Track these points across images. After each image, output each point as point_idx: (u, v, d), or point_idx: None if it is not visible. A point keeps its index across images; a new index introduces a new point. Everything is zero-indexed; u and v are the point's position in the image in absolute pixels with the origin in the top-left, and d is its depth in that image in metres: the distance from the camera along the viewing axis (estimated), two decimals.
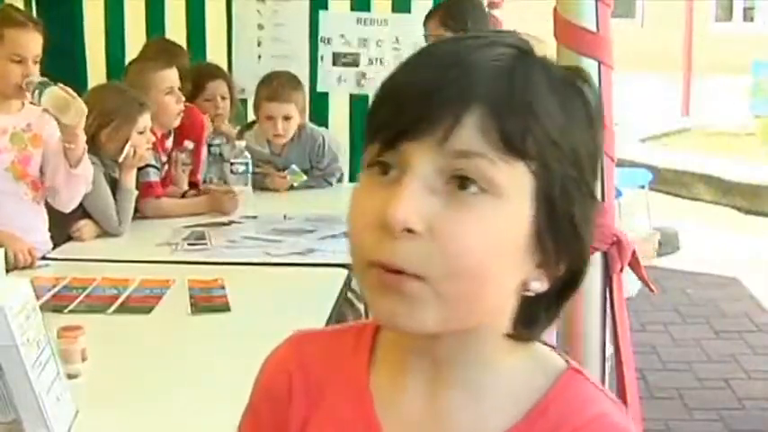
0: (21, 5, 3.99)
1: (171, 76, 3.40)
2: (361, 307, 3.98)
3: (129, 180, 3.13)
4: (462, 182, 0.70)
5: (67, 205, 2.91)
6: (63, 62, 4.11)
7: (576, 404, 0.77)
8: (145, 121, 3.10)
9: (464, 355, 0.77)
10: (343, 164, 4.11)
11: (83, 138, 2.79)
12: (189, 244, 2.99)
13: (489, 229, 0.71)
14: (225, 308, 2.36)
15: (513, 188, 0.71)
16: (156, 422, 1.72)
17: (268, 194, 3.77)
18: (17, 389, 1.47)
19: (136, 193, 3.15)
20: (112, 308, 2.36)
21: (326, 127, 4.17)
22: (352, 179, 4.15)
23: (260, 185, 3.75)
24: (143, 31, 4.26)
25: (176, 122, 3.47)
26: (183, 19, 4.27)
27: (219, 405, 1.79)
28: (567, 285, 0.77)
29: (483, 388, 0.78)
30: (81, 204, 3.01)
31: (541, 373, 0.79)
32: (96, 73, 4.25)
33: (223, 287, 2.49)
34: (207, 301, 2.40)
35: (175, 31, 4.23)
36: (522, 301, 0.77)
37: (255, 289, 2.58)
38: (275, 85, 3.74)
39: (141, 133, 3.09)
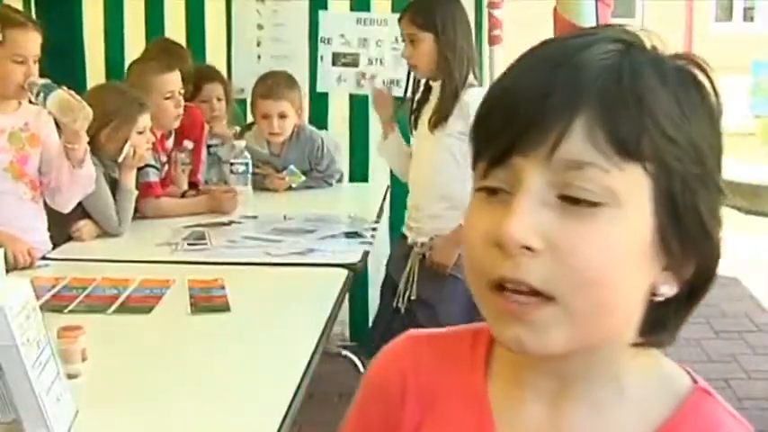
0: (20, 5, 3.99)
1: (172, 80, 3.41)
2: None
3: (129, 180, 3.13)
4: (577, 192, 0.67)
5: (66, 206, 2.91)
6: (62, 62, 4.11)
7: (705, 429, 0.74)
8: (144, 121, 3.11)
9: (589, 371, 0.75)
10: (343, 164, 4.11)
11: (85, 138, 2.80)
12: (189, 244, 2.99)
13: (611, 239, 0.68)
14: (225, 308, 2.36)
15: (631, 194, 0.68)
16: (155, 422, 1.72)
17: (268, 194, 3.77)
18: (17, 389, 1.47)
19: (136, 193, 3.15)
20: (112, 308, 2.36)
21: (326, 127, 4.18)
22: (351, 179, 4.15)
23: (259, 186, 3.75)
24: (142, 31, 4.25)
25: (175, 125, 3.48)
26: (183, 19, 4.27)
27: (219, 405, 1.79)
28: (697, 285, 0.74)
29: (607, 404, 0.75)
30: (81, 204, 3.01)
31: (668, 390, 0.76)
32: (95, 73, 4.24)
33: (223, 287, 2.49)
34: (207, 301, 2.39)
35: (175, 31, 4.23)
36: (649, 306, 0.73)
37: (255, 289, 2.57)
38: (270, 83, 3.76)
39: (141, 133, 3.10)
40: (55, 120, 2.85)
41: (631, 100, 0.67)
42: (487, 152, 0.71)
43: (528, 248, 0.67)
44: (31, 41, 2.77)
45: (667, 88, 0.69)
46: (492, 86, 0.73)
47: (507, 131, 0.69)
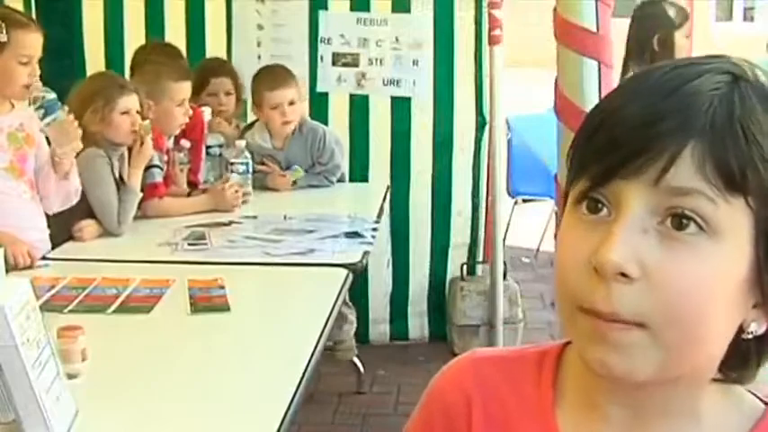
0: (20, 6, 3.99)
1: (186, 89, 3.44)
2: (351, 315, 3.99)
3: (136, 181, 3.15)
4: (680, 221, 0.67)
5: (49, 210, 2.92)
6: (62, 62, 4.12)
7: None
8: (126, 102, 3.09)
9: (667, 404, 0.74)
10: (343, 164, 4.11)
11: (72, 154, 2.81)
12: (189, 244, 2.99)
13: (708, 271, 0.67)
14: (225, 308, 2.36)
15: (733, 227, 0.67)
16: (155, 422, 1.72)
17: (268, 194, 3.77)
18: (17, 389, 1.47)
19: (140, 195, 3.16)
20: (112, 308, 2.36)
21: (326, 124, 4.17)
22: (352, 179, 4.15)
23: (261, 184, 3.76)
24: (142, 31, 4.25)
25: (176, 132, 3.50)
26: (183, 19, 4.27)
27: (219, 405, 1.79)
28: None
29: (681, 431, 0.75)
30: (83, 204, 3.02)
31: (738, 414, 0.76)
32: None
33: (222, 287, 2.49)
34: (206, 301, 2.39)
35: (175, 31, 4.23)
36: (734, 343, 0.72)
37: (255, 289, 2.58)
38: (272, 75, 3.78)
39: (125, 114, 3.09)
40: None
41: (741, 132, 0.67)
42: (590, 172, 0.70)
43: (624, 275, 0.67)
44: (36, 42, 2.78)
45: None
46: (597, 107, 0.73)
47: (613, 154, 0.68)
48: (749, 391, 0.77)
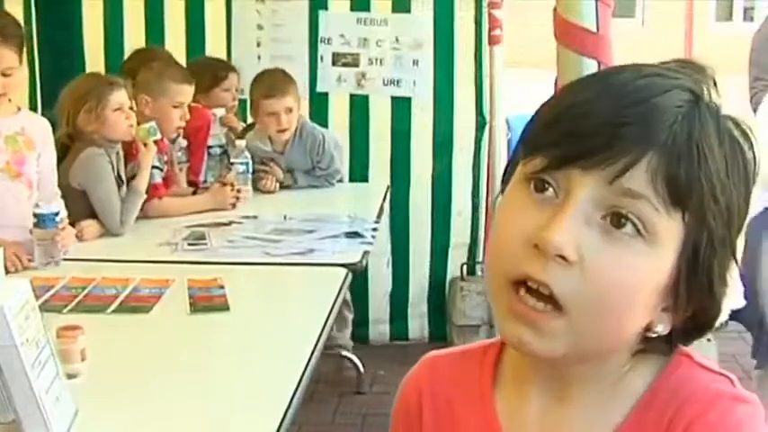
0: (20, 7, 3.99)
1: (188, 93, 3.45)
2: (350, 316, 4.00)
3: (142, 182, 3.16)
4: (619, 219, 0.72)
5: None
6: (62, 63, 4.13)
7: (682, 390, 0.78)
8: (118, 98, 3.10)
9: (584, 375, 0.80)
10: (343, 164, 4.11)
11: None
12: (189, 244, 2.99)
13: (637, 270, 0.73)
14: (224, 307, 2.35)
15: (667, 236, 0.73)
16: (155, 422, 1.72)
17: (268, 194, 3.77)
18: (16, 389, 1.47)
19: (144, 197, 3.16)
20: (112, 307, 2.36)
21: (326, 127, 4.17)
22: (351, 179, 4.15)
23: (254, 186, 3.76)
24: (142, 31, 4.25)
25: (173, 135, 3.52)
26: (183, 19, 4.27)
27: (219, 405, 1.79)
28: (687, 332, 0.79)
29: (600, 398, 0.80)
30: (84, 204, 3.02)
31: (655, 361, 0.81)
32: None
33: (222, 287, 2.49)
34: (206, 301, 2.39)
35: (174, 31, 4.23)
36: (639, 337, 0.78)
37: (255, 289, 2.57)
38: (270, 81, 3.77)
39: (117, 110, 3.09)
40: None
41: (695, 152, 0.72)
42: (546, 154, 0.74)
43: (563, 258, 0.72)
44: (6, 56, 2.73)
45: (722, 151, 0.74)
46: (563, 93, 0.77)
47: (576, 143, 0.72)
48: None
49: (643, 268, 0.73)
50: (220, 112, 3.90)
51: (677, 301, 0.76)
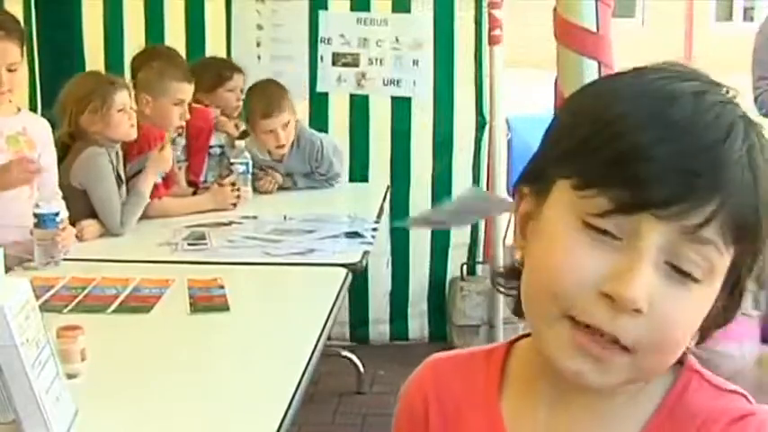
0: (20, 7, 3.99)
1: (187, 91, 3.46)
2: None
3: (147, 186, 3.17)
4: (683, 271, 0.72)
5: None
6: (62, 63, 4.12)
7: (700, 414, 0.78)
8: (122, 98, 3.10)
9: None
10: (343, 164, 4.11)
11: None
12: (189, 244, 2.99)
13: (698, 308, 0.74)
14: (224, 308, 2.35)
15: (722, 272, 0.73)
16: (155, 422, 1.72)
17: (268, 194, 3.77)
18: (17, 389, 1.47)
19: (148, 201, 3.16)
20: (112, 307, 2.36)
21: (326, 127, 4.18)
22: (351, 179, 4.15)
23: (253, 186, 3.76)
24: (142, 31, 4.25)
25: (173, 134, 3.52)
26: (183, 19, 4.27)
27: (219, 405, 1.79)
28: (705, 330, 0.79)
29: (611, 410, 0.80)
30: (84, 203, 3.02)
31: (661, 383, 0.80)
32: None
33: (222, 287, 2.49)
34: (206, 301, 2.39)
35: (174, 31, 4.23)
36: None
37: (255, 289, 2.57)
38: (266, 100, 3.74)
39: (121, 111, 3.09)
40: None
41: (760, 196, 0.72)
42: (615, 195, 0.71)
43: (637, 311, 0.71)
44: (3, 51, 2.73)
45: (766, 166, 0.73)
46: (615, 113, 0.73)
47: (647, 188, 0.70)
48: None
49: (702, 304, 0.74)
50: (215, 112, 3.89)
51: (709, 314, 0.76)
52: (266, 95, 3.76)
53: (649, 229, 0.71)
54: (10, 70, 2.75)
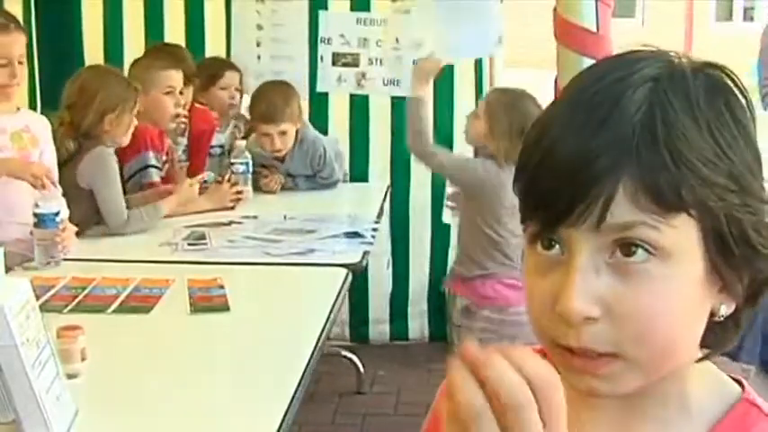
0: (19, 7, 3.99)
1: (175, 77, 3.45)
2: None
3: (169, 206, 3.22)
4: (628, 248, 0.69)
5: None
6: (61, 63, 4.12)
7: None
8: (138, 104, 3.14)
9: (656, 391, 0.77)
10: (344, 166, 4.11)
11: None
12: (189, 244, 2.99)
13: (665, 294, 0.70)
14: (224, 308, 2.35)
15: (681, 245, 0.70)
16: (155, 422, 1.72)
17: (268, 194, 3.77)
18: (17, 389, 1.47)
19: (162, 217, 3.19)
20: (112, 307, 2.36)
21: (326, 127, 4.18)
22: (352, 179, 4.15)
23: (254, 186, 3.76)
24: (142, 31, 4.25)
25: (170, 125, 3.51)
26: (182, 20, 4.27)
27: (219, 405, 1.79)
28: (753, 293, 0.75)
29: (673, 419, 0.78)
30: (89, 205, 3.02)
31: (718, 396, 0.78)
32: None
33: (222, 287, 2.49)
34: (206, 301, 2.39)
35: (175, 31, 4.23)
36: (710, 324, 0.75)
37: (255, 289, 2.58)
38: (266, 106, 3.74)
39: (135, 115, 3.14)
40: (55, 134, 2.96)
41: (668, 156, 0.68)
42: (538, 217, 0.72)
43: (590, 319, 0.70)
44: (16, 43, 2.77)
45: (701, 126, 0.69)
46: (538, 130, 0.73)
47: (556, 203, 0.70)
48: (735, 379, 0.81)
49: (669, 288, 0.70)
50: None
51: (727, 280, 0.72)
52: (268, 100, 3.76)
53: (572, 238, 0.70)
54: (20, 62, 2.78)
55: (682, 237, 0.69)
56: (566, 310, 0.69)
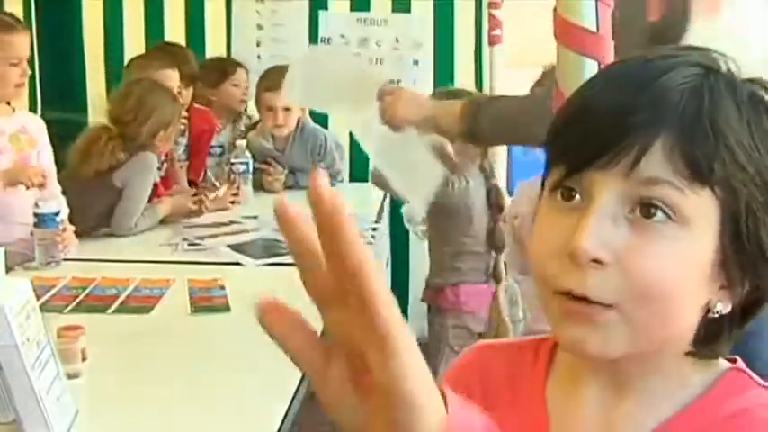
0: (20, 7, 4.00)
1: (172, 77, 3.45)
2: None
3: (167, 209, 3.24)
4: (648, 209, 0.70)
5: None
6: (62, 63, 4.13)
7: (734, 396, 0.77)
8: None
9: (644, 373, 0.78)
10: (343, 163, 4.11)
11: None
12: (189, 244, 2.99)
13: (676, 257, 0.71)
14: (225, 308, 2.35)
15: (699, 216, 0.71)
16: (155, 422, 1.72)
17: (268, 194, 3.77)
18: (17, 389, 1.47)
19: (158, 220, 3.21)
20: (112, 308, 2.36)
21: (326, 127, 4.18)
22: (352, 179, 4.15)
23: (258, 184, 3.76)
24: (142, 31, 4.26)
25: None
26: (183, 19, 4.27)
27: (219, 405, 1.79)
28: (751, 304, 0.76)
29: (656, 396, 0.79)
30: (112, 200, 3.03)
31: (708, 369, 0.79)
32: (95, 73, 4.25)
33: (223, 287, 2.49)
34: (207, 301, 2.40)
35: (175, 31, 4.23)
36: (703, 321, 0.76)
37: (255, 289, 2.57)
38: (274, 76, 3.77)
39: None
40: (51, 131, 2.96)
41: (709, 126, 0.70)
42: (564, 162, 0.73)
43: (597, 261, 0.70)
44: (24, 43, 2.82)
45: (742, 116, 0.72)
46: (572, 97, 0.76)
47: (588, 144, 0.71)
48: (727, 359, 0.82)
49: (681, 251, 0.71)
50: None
51: (731, 277, 0.74)
52: (277, 74, 3.77)
53: (597, 181, 0.71)
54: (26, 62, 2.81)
55: (702, 209, 0.71)
56: (577, 247, 0.70)
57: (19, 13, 4.05)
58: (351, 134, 4.25)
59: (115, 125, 3.12)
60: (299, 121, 3.82)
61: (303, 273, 0.57)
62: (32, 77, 4.01)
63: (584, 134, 0.72)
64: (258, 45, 4.30)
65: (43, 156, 2.92)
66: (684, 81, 0.71)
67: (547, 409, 0.83)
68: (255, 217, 3.37)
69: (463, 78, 4.18)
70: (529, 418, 0.83)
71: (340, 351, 0.56)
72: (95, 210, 2.96)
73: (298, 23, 4.24)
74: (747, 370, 0.80)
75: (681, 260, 0.71)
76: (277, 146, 3.85)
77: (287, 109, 3.76)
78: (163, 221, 3.25)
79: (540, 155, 0.81)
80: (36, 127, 2.95)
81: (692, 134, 0.70)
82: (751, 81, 0.75)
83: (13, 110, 2.92)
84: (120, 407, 1.76)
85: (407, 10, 4.16)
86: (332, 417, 0.56)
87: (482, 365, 0.91)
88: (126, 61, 3.97)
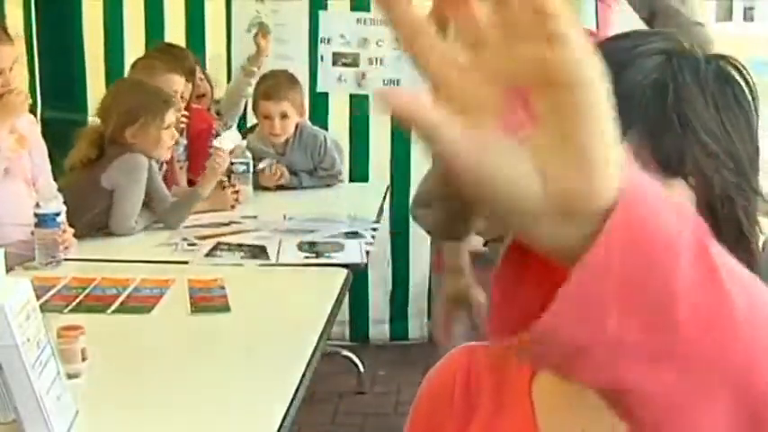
0: (20, 7, 3.99)
1: (176, 81, 3.45)
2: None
3: (206, 190, 3.26)
4: None
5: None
6: (62, 62, 4.13)
7: None
8: (171, 117, 3.14)
9: None
10: (343, 164, 4.11)
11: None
12: (189, 244, 2.99)
13: None
14: (225, 308, 2.36)
15: None
16: (155, 422, 1.72)
17: (268, 194, 3.77)
18: (17, 389, 1.47)
19: (202, 198, 3.23)
20: (112, 308, 2.36)
21: (326, 127, 4.18)
22: (351, 179, 4.15)
23: (256, 184, 3.76)
24: (142, 31, 4.25)
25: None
26: (183, 19, 4.27)
27: (219, 405, 1.79)
28: None
29: None
30: (105, 203, 3.02)
31: None
32: (95, 73, 4.24)
33: (223, 287, 2.49)
34: (207, 301, 2.40)
35: (175, 31, 4.23)
36: None
37: (255, 289, 2.57)
38: (271, 83, 3.78)
39: (167, 128, 3.13)
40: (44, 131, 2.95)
41: (676, 120, 0.70)
42: None
43: None
44: (6, 53, 2.77)
45: (708, 101, 0.72)
46: None
47: None
48: None
49: None
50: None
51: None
52: (273, 81, 3.79)
53: None
54: (10, 69, 2.78)
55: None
56: None
57: (19, 13, 4.05)
58: (350, 134, 4.27)
59: (99, 120, 3.13)
60: (297, 125, 3.82)
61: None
62: (32, 77, 4.03)
63: None
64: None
65: (35, 153, 2.91)
66: (647, 74, 0.71)
67: (534, 410, 0.83)
68: (255, 217, 3.37)
69: None
70: (516, 419, 0.83)
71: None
72: (87, 210, 2.95)
73: (298, 23, 4.24)
74: None
75: None
76: (277, 150, 3.85)
77: (284, 116, 3.76)
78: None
79: None
80: (26, 125, 2.92)
81: (660, 130, 0.70)
82: (717, 58, 0.75)
83: None
84: (120, 407, 1.76)
85: None
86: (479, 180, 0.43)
87: (469, 366, 0.90)
88: (126, 61, 3.97)
